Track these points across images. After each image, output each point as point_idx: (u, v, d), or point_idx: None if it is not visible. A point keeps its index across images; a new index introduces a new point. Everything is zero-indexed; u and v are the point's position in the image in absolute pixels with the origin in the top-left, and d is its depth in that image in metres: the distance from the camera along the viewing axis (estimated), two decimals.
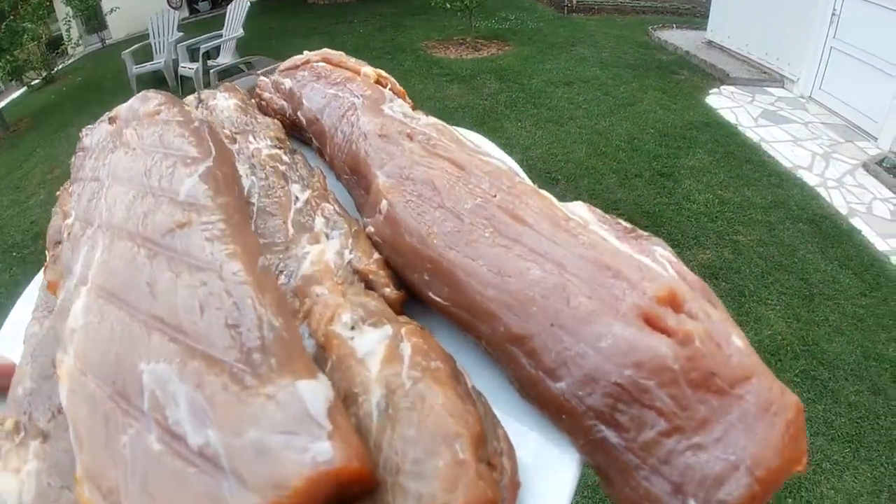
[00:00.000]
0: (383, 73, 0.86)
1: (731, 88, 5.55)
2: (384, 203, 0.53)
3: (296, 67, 0.89)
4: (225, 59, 6.42)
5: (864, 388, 2.89)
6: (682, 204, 3.93)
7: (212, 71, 5.62)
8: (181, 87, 6.51)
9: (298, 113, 0.81)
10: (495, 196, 0.50)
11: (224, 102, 0.83)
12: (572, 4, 9.01)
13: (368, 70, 0.84)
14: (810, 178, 4.26)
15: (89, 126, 0.75)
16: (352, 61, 0.88)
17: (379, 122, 0.64)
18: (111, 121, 0.69)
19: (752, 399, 0.37)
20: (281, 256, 0.56)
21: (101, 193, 0.57)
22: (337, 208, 0.62)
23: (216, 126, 0.64)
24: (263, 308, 0.40)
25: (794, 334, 3.10)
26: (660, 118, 4.93)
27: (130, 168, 0.57)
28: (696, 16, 8.64)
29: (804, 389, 2.86)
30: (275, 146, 0.73)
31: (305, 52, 0.92)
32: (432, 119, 0.71)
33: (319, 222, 0.60)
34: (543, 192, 0.54)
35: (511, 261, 0.45)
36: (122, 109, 0.68)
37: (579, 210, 0.52)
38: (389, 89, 0.81)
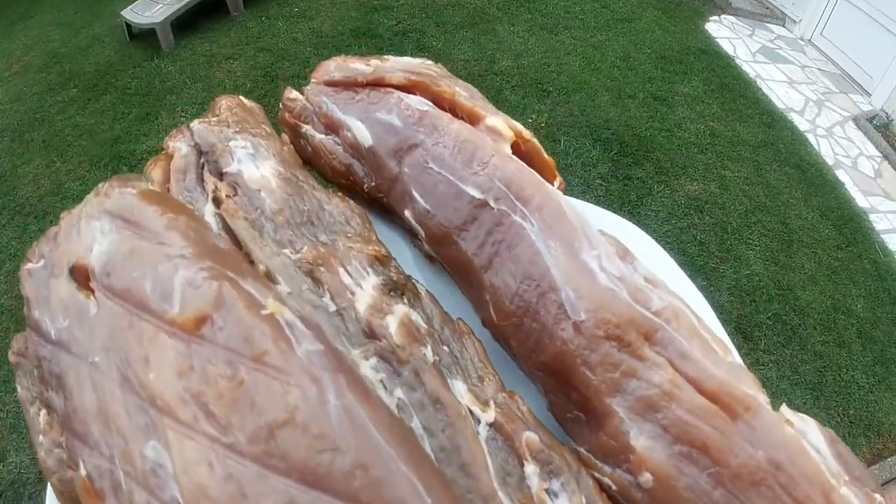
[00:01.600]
0: (522, 129, 0.53)
1: (732, 19, 5.28)
2: (647, 478, 0.39)
3: (356, 85, 0.55)
4: None
5: (831, 340, 2.88)
6: (673, 131, 3.75)
7: None
8: None
9: (406, 213, 0.50)
10: (777, 473, 0.38)
11: (255, 172, 0.47)
12: None
13: (497, 123, 0.51)
14: (801, 123, 4.14)
15: (31, 265, 0.41)
16: (462, 92, 0.54)
17: (595, 302, 0.40)
18: (77, 276, 0.38)
19: None
20: None
21: None
22: (542, 436, 0.41)
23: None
24: None
25: (770, 277, 3.05)
26: (657, 39, 4.66)
27: None
28: None
29: (775, 332, 2.83)
30: (391, 291, 0.43)
31: (373, 62, 0.56)
32: (658, 281, 0.45)
33: (532, 474, 0.39)
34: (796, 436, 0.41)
35: None
36: (94, 256, 0.37)
37: (815, 438, 0.42)
38: (557, 182, 0.53)
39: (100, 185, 0.42)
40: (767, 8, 5.52)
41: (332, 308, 0.40)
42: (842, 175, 3.82)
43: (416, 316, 0.43)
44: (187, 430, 0.30)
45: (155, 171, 0.50)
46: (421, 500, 0.28)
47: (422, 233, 0.49)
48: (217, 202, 0.47)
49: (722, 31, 5.05)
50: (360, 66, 0.56)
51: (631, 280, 0.42)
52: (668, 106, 3.95)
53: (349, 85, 0.56)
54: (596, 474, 0.41)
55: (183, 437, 0.30)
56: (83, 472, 0.34)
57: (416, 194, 0.48)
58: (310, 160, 0.58)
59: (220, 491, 0.29)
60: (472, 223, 0.46)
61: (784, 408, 0.43)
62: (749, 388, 0.41)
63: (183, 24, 4.19)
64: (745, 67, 4.57)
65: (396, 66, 0.56)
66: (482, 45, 4.30)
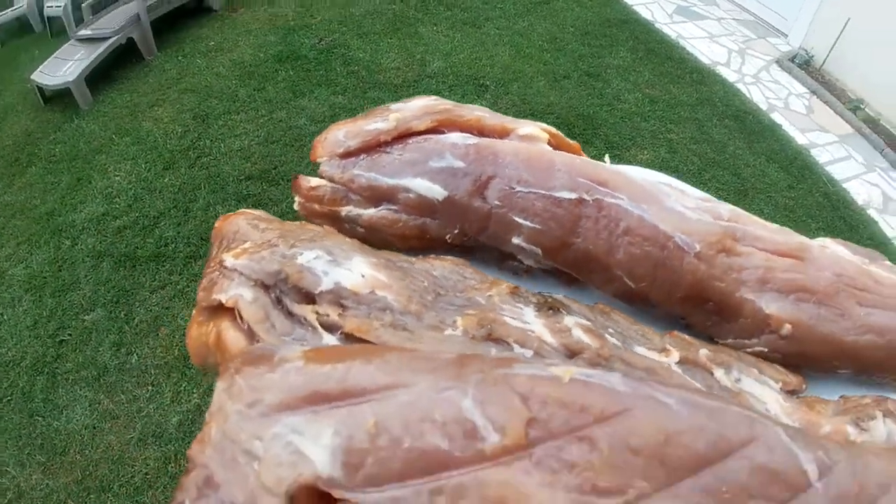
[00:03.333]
0: (548, 126, 0.57)
1: None
2: (787, 328, 0.51)
3: (380, 145, 0.53)
4: None
5: None
6: (614, 105, 3.80)
7: (83, 4, 4.52)
8: (49, 29, 4.98)
9: (514, 240, 0.51)
10: (840, 278, 0.53)
11: (354, 276, 0.44)
12: None
13: (531, 130, 0.55)
14: (729, 75, 4.26)
15: None
16: (483, 114, 0.56)
17: (699, 234, 0.51)
18: (302, 498, 0.32)
19: None
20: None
21: None
22: (706, 348, 0.50)
23: None
24: None
25: None
26: (578, 16, 4.71)
27: None
28: None
29: None
30: (549, 311, 0.46)
31: (392, 112, 0.54)
32: (706, 196, 0.57)
33: (721, 376, 0.49)
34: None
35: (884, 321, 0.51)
36: (322, 463, 0.31)
37: (838, 249, 0.58)
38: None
39: (223, 385, 0.34)
40: None
41: (530, 353, 0.40)
42: (777, 117, 3.95)
43: (580, 319, 0.45)
44: None
45: (229, 335, 0.42)
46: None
47: (537, 251, 0.51)
48: (332, 328, 0.40)
49: None
50: (377, 125, 0.53)
51: (701, 206, 0.53)
52: (603, 80, 4.01)
53: (372, 148, 0.52)
54: (747, 350, 0.52)
55: None
56: None
57: (518, 220, 0.50)
58: (365, 240, 0.53)
59: None
60: (580, 221, 0.50)
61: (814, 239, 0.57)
62: (796, 236, 0.54)
63: (97, 77, 4.00)
64: (666, 30, 4.68)
65: (416, 111, 0.53)
66: (409, 49, 4.26)
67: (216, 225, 0.50)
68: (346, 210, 0.53)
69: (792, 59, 4.40)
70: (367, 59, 4.19)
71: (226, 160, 3.44)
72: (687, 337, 0.50)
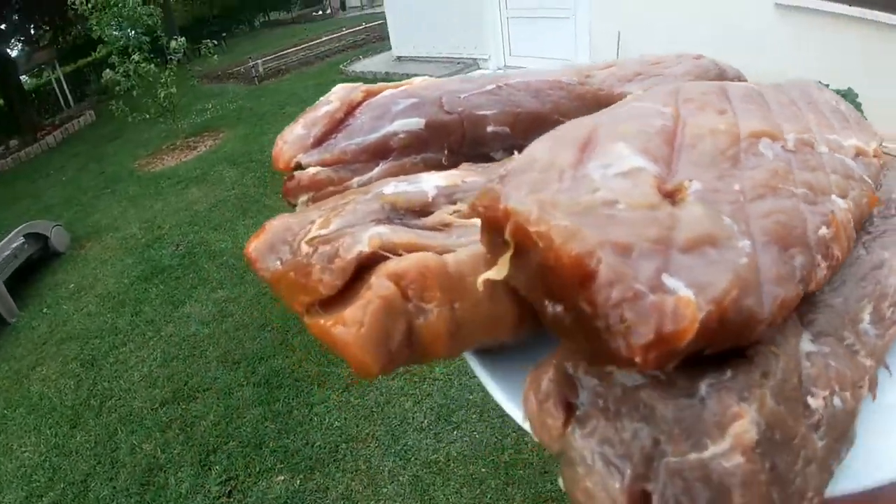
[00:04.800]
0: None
1: None
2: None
3: (341, 121, 0.57)
4: None
5: None
6: None
7: None
8: None
9: (489, 129, 0.62)
10: (642, 63, 0.74)
11: (436, 180, 0.45)
12: (260, 74, 9.06)
13: (427, 76, 0.70)
14: None
15: None
16: (391, 83, 0.69)
17: (571, 71, 0.69)
18: None
19: None
20: None
21: None
22: None
23: None
24: None
25: None
26: None
27: None
28: (375, 41, 9.22)
29: None
30: None
31: (332, 97, 0.60)
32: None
33: None
34: None
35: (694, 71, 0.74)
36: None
37: None
38: None
39: (516, 196, 0.30)
40: (460, 62, 6.39)
41: None
42: None
43: None
44: None
45: (405, 264, 0.34)
46: None
47: (506, 129, 0.62)
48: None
49: None
50: (326, 108, 0.58)
51: (556, 67, 0.71)
52: None
53: (335, 126, 0.57)
54: None
55: None
56: None
57: (481, 113, 0.61)
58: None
59: None
60: (510, 97, 0.63)
61: None
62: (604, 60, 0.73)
63: None
64: None
65: (345, 92, 0.60)
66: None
67: (250, 248, 0.39)
68: (355, 180, 0.54)
69: None
70: (230, 247, 4.25)
71: (132, 396, 3.27)
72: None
